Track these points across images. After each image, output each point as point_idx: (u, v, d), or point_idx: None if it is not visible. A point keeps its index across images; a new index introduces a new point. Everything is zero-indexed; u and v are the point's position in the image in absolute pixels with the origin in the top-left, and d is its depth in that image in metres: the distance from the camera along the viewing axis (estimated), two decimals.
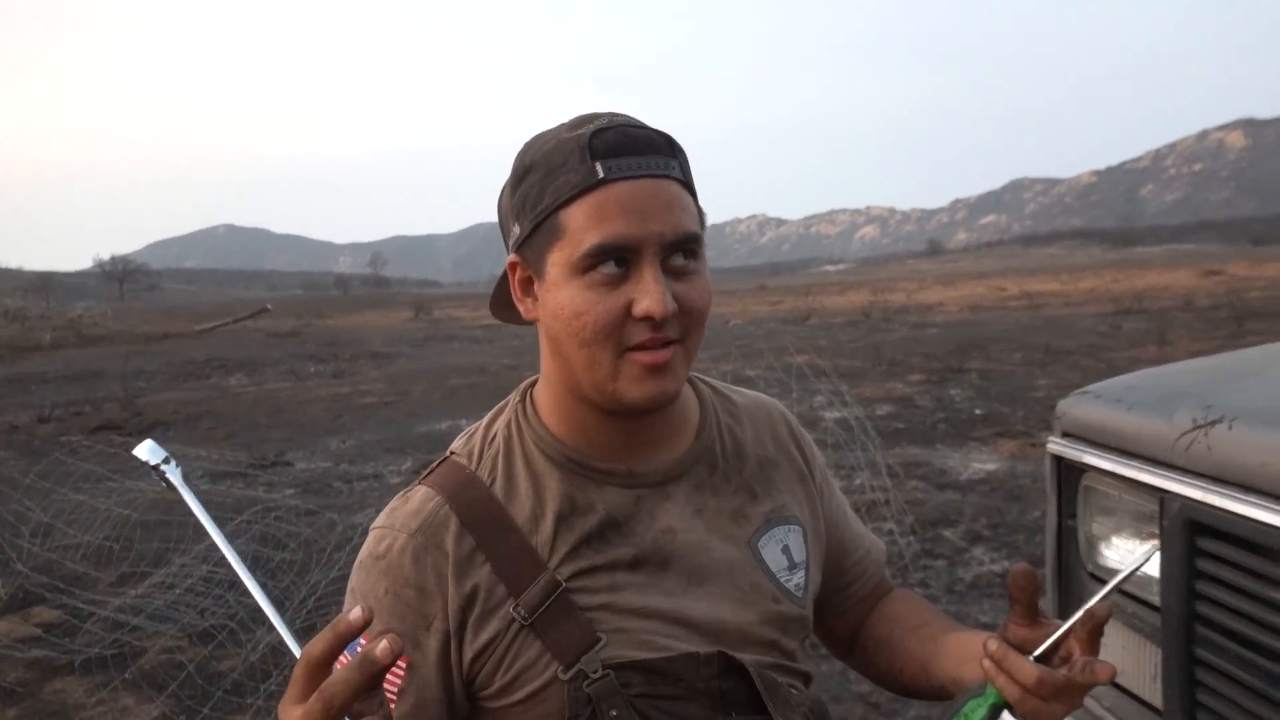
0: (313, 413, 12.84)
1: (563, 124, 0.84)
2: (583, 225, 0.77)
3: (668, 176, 0.80)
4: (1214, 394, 1.12)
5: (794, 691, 0.88)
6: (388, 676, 0.81)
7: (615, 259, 0.77)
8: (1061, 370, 11.86)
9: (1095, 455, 1.26)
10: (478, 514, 0.82)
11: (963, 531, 5.50)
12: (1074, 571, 1.34)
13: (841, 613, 1.03)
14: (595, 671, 0.78)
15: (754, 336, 18.85)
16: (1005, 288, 36.77)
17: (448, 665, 0.81)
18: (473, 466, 0.86)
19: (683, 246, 0.79)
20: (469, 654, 0.81)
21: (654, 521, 0.86)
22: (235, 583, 4.63)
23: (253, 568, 5.06)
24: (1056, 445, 1.35)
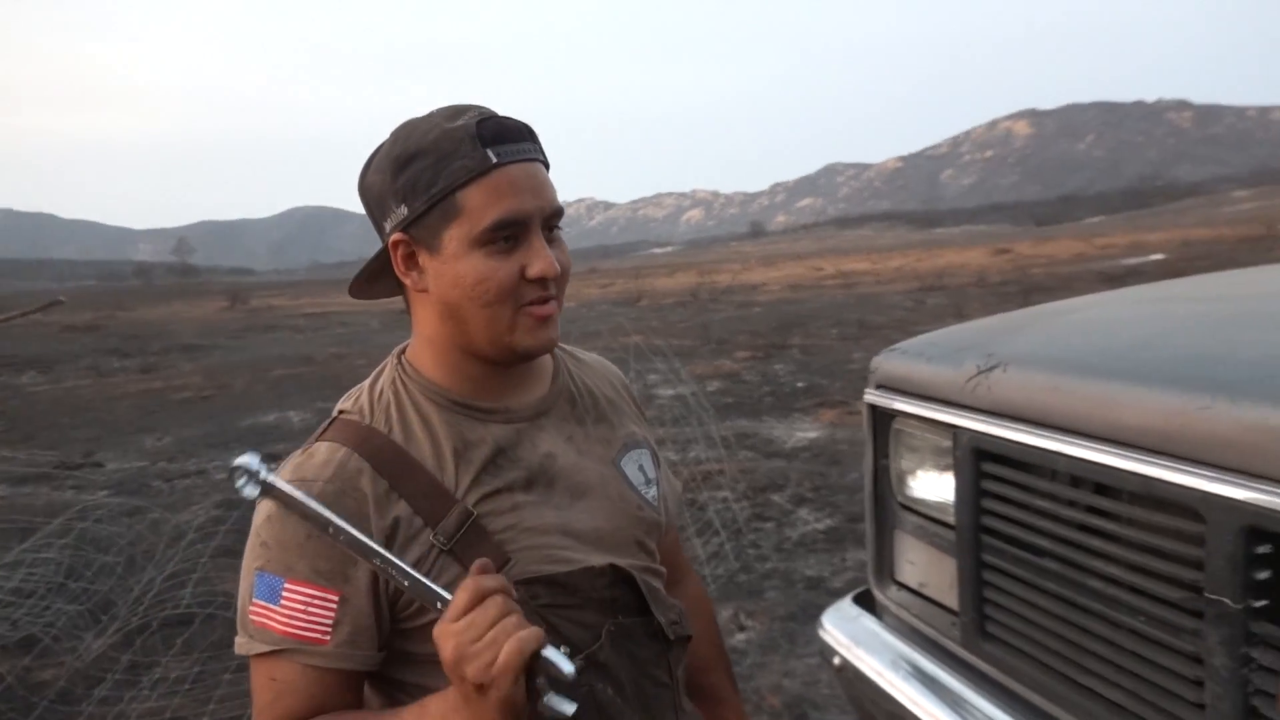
0: (121, 410, 11.98)
1: (436, 113, 0.94)
2: (481, 204, 0.89)
3: (538, 159, 0.93)
4: (993, 345, 1.35)
5: (660, 586, 1.03)
6: (320, 612, 0.89)
7: (508, 231, 0.89)
8: (874, 343, 12.70)
9: (902, 402, 1.46)
10: (385, 459, 0.91)
11: (789, 495, 5.87)
12: (888, 503, 1.56)
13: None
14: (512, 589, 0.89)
15: (588, 319, 19.06)
16: (822, 268, 38.73)
17: (376, 593, 0.89)
18: (367, 420, 0.95)
19: (556, 219, 0.94)
20: (392, 586, 0.89)
21: (535, 448, 0.98)
22: (58, 589, 4.34)
23: (69, 574, 4.76)
24: (871, 395, 1.55)
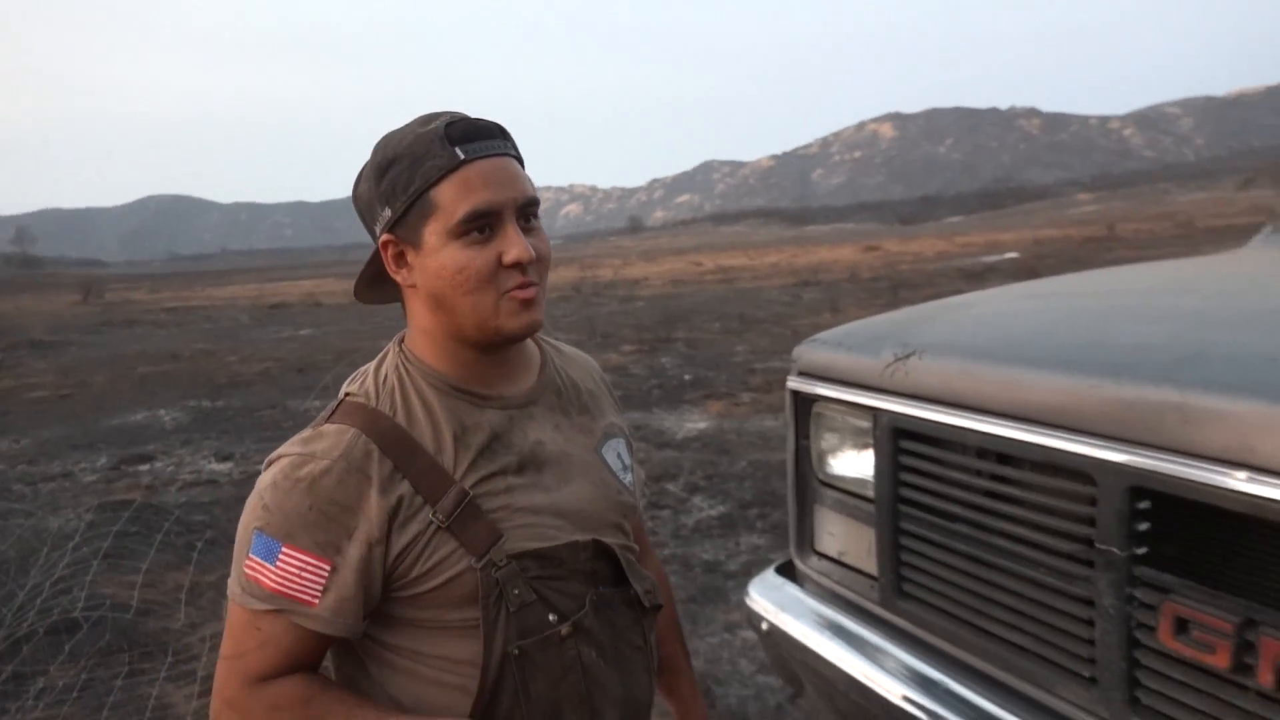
0: None
1: (412, 121, 1.01)
2: (453, 199, 0.96)
3: (509, 154, 1.00)
4: (907, 335, 1.50)
5: (636, 560, 1.12)
6: (312, 578, 0.95)
7: (482, 223, 0.96)
8: (755, 337, 13.13)
9: (823, 387, 1.61)
10: (390, 441, 0.97)
11: (683, 484, 6.05)
12: (808, 481, 1.70)
13: None
14: (501, 561, 0.97)
15: None
16: (702, 263, 39.44)
17: (365, 568, 0.95)
18: (373, 403, 1.01)
19: (530, 208, 1.00)
20: (394, 551, 0.95)
21: (526, 435, 1.05)
22: None
23: None
24: (794, 382, 1.69)
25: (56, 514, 5.91)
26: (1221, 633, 1.00)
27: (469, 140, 0.98)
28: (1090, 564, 1.15)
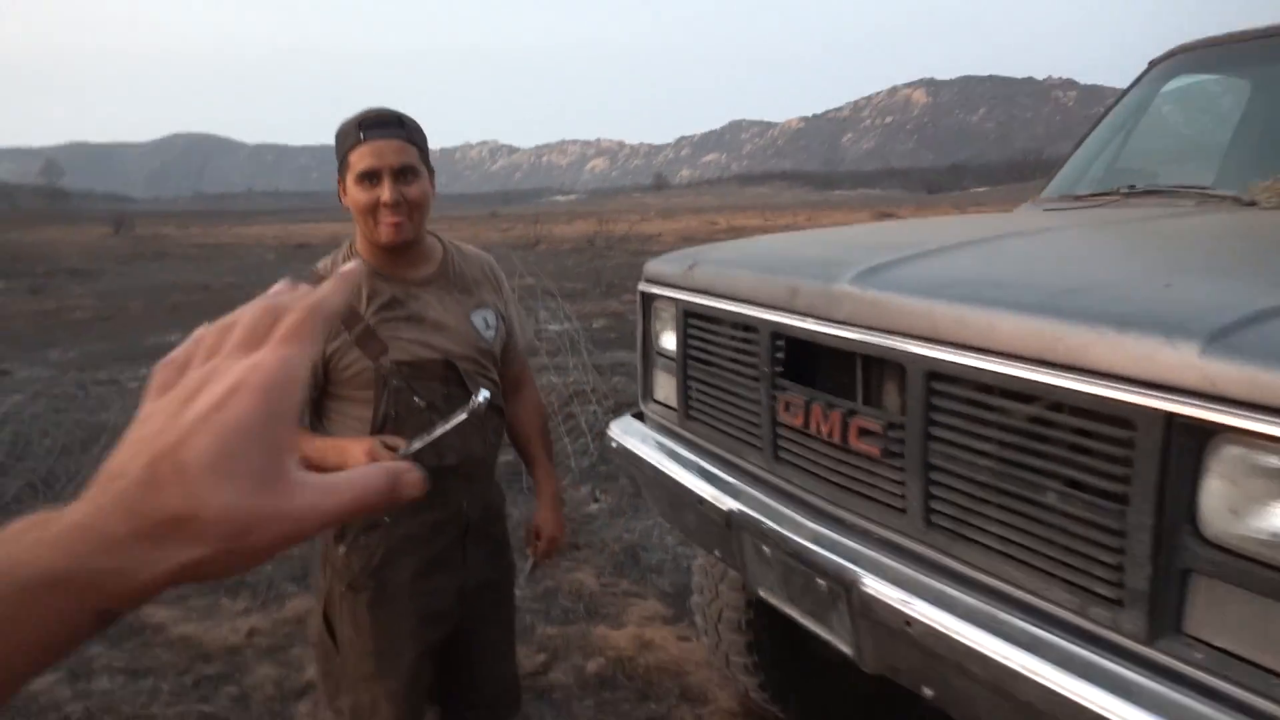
0: (17, 328, 12.18)
1: (356, 113, 1.88)
2: (356, 161, 1.84)
3: (396, 138, 1.85)
4: (699, 255, 2.35)
5: (482, 379, 1.98)
6: None
7: (370, 177, 1.82)
8: None
9: (656, 289, 2.47)
10: None
11: None
12: (650, 352, 2.56)
13: (504, 364, 2.13)
14: (387, 365, 1.85)
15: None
16: (717, 222, 40.03)
17: (314, 361, 1.84)
18: (328, 272, 1.88)
19: (404, 171, 1.84)
20: (328, 351, 1.83)
21: (418, 302, 1.92)
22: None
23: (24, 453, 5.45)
24: (641, 286, 2.54)
25: (107, 411, 6.87)
26: (801, 407, 1.87)
27: (370, 128, 1.84)
28: (757, 380, 2.02)
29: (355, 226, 1.90)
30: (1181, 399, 1.22)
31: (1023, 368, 1.42)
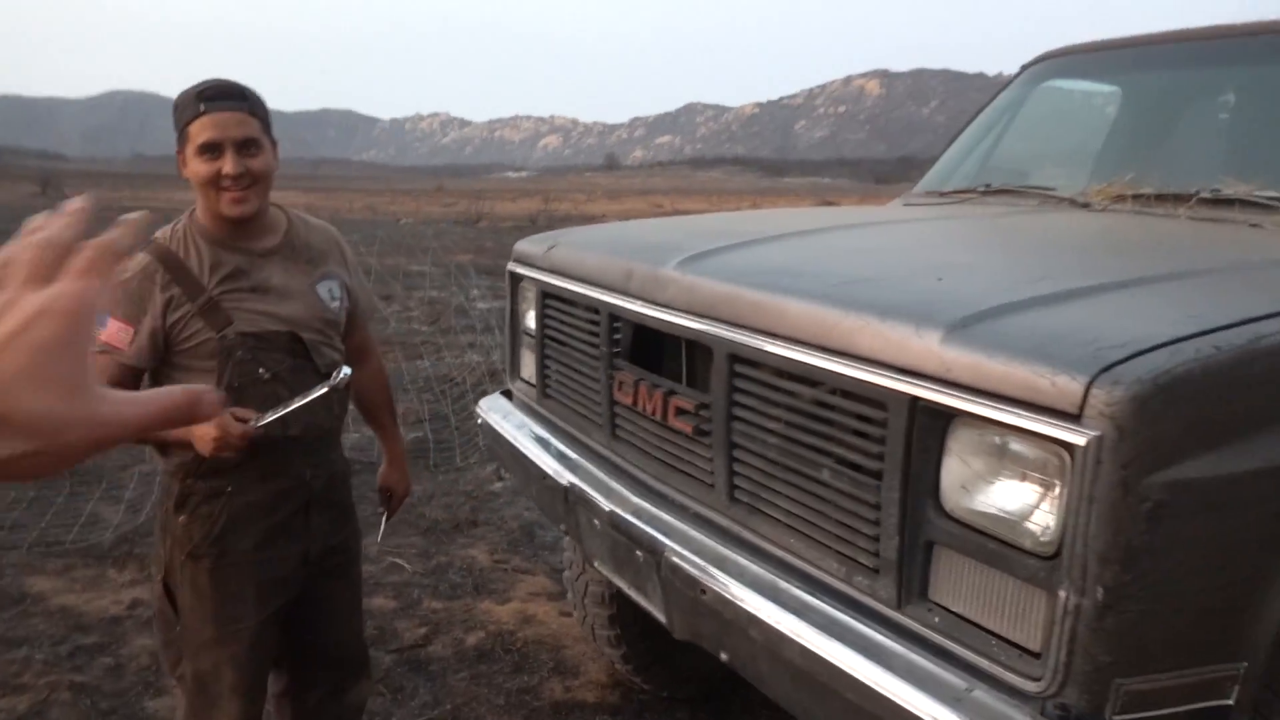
0: None
1: (195, 84, 1.89)
2: (196, 133, 1.84)
3: (239, 110, 1.86)
4: (559, 238, 2.42)
5: (327, 349, 2.00)
6: (122, 335, 1.84)
7: (212, 149, 1.83)
8: None
9: (521, 269, 2.53)
10: (169, 263, 1.86)
11: None
12: (517, 330, 2.62)
13: (348, 333, 2.17)
14: (231, 336, 1.87)
15: (424, 235, 19.49)
16: (662, 205, 40.06)
17: (153, 331, 1.83)
18: (165, 242, 1.89)
19: (246, 143, 1.86)
20: (169, 323, 1.84)
21: (261, 272, 1.94)
22: None
23: None
24: (510, 266, 2.60)
25: None
26: (631, 387, 1.95)
27: (211, 100, 1.85)
28: (598, 360, 2.10)
29: (198, 195, 1.92)
30: (924, 384, 1.33)
31: (805, 352, 1.52)
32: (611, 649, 2.92)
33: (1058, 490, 1.20)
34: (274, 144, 1.94)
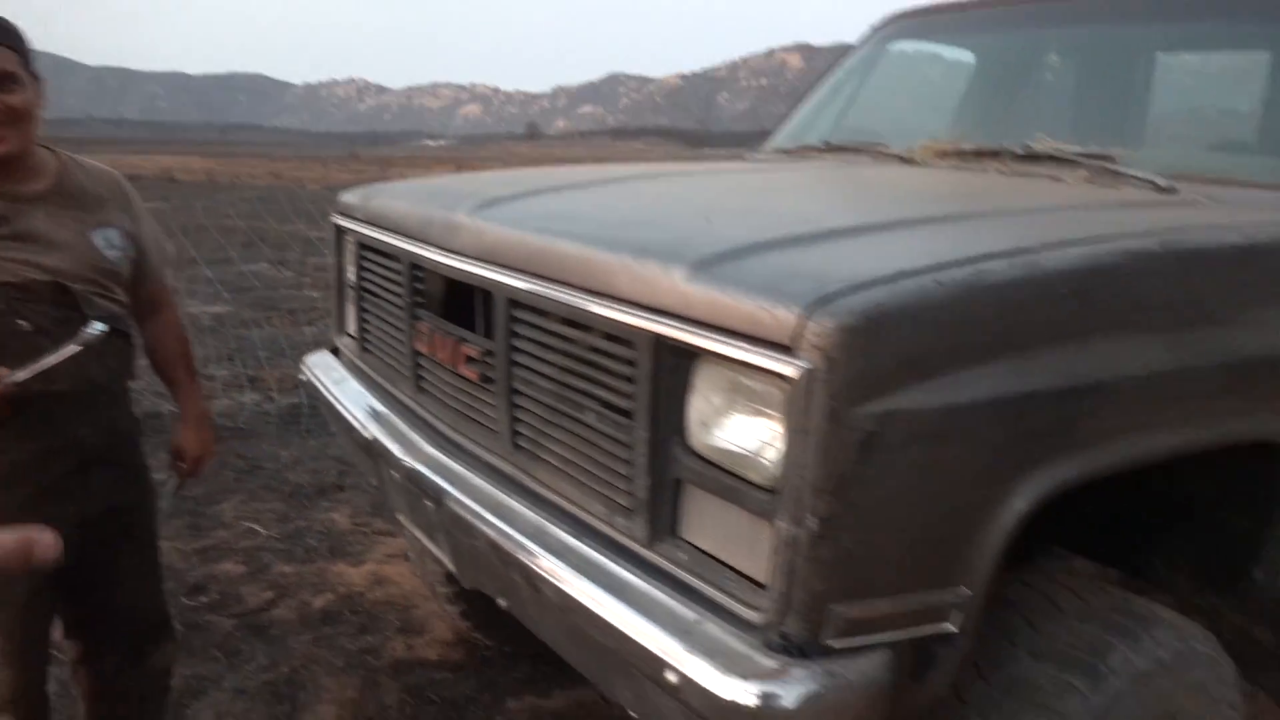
0: None
1: None
2: None
3: (3, 45, 1.75)
4: (372, 192, 2.36)
5: (102, 300, 1.89)
6: None
7: None
8: None
9: (342, 220, 2.45)
10: None
11: None
12: (342, 284, 2.55)
13: (137, 285, 2.06)
14: None
15: (326, 201, 18.95)
16: None
17: None
18: None
19: (3, 79, 1.74)
20: None
21: (27, 219, 1.82)
22: None
23: None
24: (333, 219, 2.52)
25: None
26: (428, 336, 1.91)
27: None
28: (402, 309, 2.05)
29: None
30: (668, 322, 1.32)
31: (573, 294, 1.50)
32: (451, 605, 2.89)
33: (779, 423, 1.21)
34: (37, 79, 1.83)
